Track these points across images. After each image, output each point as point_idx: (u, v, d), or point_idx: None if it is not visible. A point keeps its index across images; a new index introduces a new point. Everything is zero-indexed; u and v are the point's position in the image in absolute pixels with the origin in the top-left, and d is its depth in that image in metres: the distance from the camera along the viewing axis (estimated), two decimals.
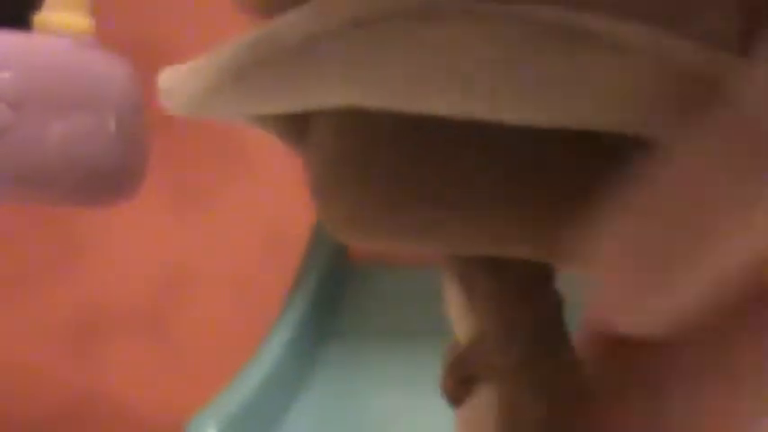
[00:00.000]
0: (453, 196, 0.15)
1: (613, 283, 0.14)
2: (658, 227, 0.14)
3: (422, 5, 0.13)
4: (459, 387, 0.17)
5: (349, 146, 0.15)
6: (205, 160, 0.56)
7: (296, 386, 0.44)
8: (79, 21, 0.37)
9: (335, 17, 0.13)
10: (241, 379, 0.42)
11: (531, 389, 0.16)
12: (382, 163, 0.15)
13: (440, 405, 0.43)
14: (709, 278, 0.14)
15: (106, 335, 0.58)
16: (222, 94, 0.15)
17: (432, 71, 0.14)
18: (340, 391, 0.43)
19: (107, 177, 0.37)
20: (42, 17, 0.36)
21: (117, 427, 0.58)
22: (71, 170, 0.35)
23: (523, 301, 0.16)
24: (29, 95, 0.34)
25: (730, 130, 0.13)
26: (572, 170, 0.15)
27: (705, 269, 0.14)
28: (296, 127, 0.17)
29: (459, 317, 0.17)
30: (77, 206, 0.40)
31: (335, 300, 0.48)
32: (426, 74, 0.14)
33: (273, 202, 0.54)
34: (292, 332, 0.45)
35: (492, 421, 0.16)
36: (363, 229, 0.16)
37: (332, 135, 0.16)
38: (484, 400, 0.16)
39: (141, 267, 0.58)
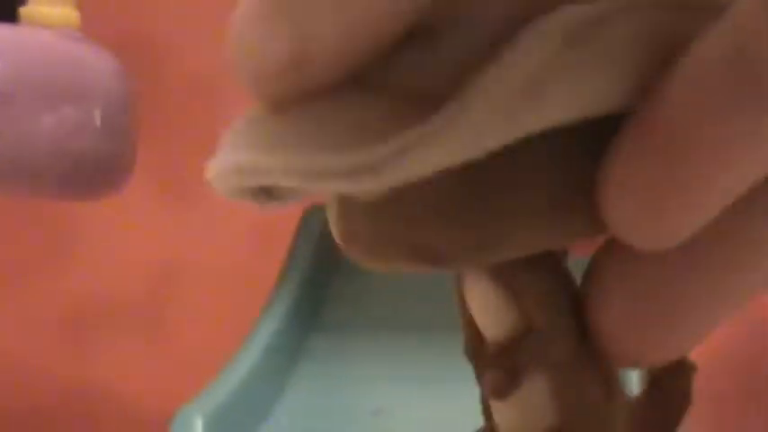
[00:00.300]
0: (513, 207, 0.15)
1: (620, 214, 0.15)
2: (659, 163, 0.14)
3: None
4: (506, 379, 0.17)
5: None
6: (194, 153, 0.56)
7: (282, 378, 0.44)
8: (66, 14, 0.37)
9: (552, 42, 0.14)
10: (227, 371, 0.42)
11: (591, 372, 0.17)
12: (437, 186, 0.15)
13: (426, 398, 0.43)
14: (711, 204, 0.14)
15: (96, 328, 0.58)
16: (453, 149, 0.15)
17: (626, 71, 0.14)
18: (327, 383, 0.43)
19: (94, 170, 0.37)
20: (29, 10, 0.36)
21: (108, 419, 0.58)
22: (59, 163, 0.35)
23: (566, 288, 0.17)
24: (17, 88, 0.34)
25: (722, 59, 0.14)
26: None
27: (706, 198, 0.14)
28: None
29: (487, 313, 0.17)
30: (65, 199, 0.40)
31: (322, 292, 0.48)
32: (620, 75, 0.14)
33: None
34: (278, 324, 0.45)
35: (550, 409, 0.17)
36: (422, 255, 0.16)
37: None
38: (534, 387, 0.17)
39: (131, 261, 0.58)
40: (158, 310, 0.58)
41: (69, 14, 0.37)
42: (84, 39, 0.37)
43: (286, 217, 0.50)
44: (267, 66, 0.14)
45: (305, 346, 0.46)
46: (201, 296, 0.57)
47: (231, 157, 0.16)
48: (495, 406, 0.18)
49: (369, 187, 0.14)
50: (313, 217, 0.48)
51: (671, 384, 0.18)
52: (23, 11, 0.37)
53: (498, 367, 0.17)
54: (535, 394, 0.17)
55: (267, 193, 0.17)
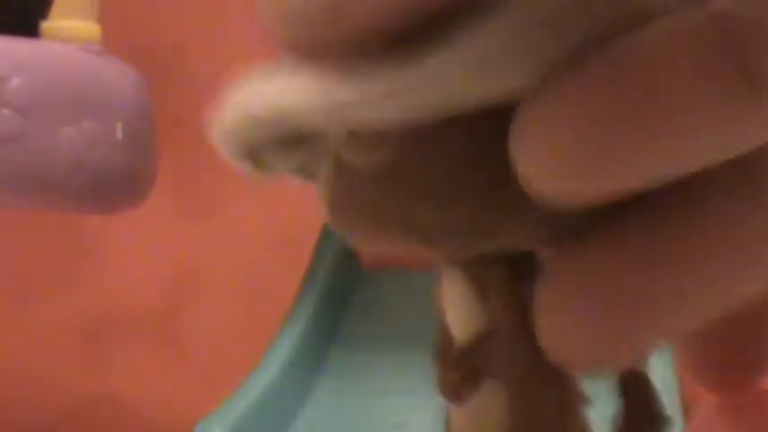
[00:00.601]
0: (511, 196, 0.15)
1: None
2: (609, 119, 0.13)
3: None
4: (464, 382, 0.17)
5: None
6: (214, 164, 0.56)
7: (303, 391, 0.44)
8: (86, 28, 0.37)
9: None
10: (248, 384, 0.42)
11: (548, 385, 0.16)
12: (438, 162, 0.15)
13: None
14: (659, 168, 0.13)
15: (115, 339, 0.58)
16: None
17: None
18: (347, 396, 0.43)
19: (115, 184, 0.37)
20: (50, 25, 0.37)
21: (126, 429, 0.58)
22: (80, 177, 0.35)
23: (531, 293, 0.16)
24: (38, 102, 0.34)
25: (698, 28, 0.13)
26: None
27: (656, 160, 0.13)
28: None
29: (458, 313, 0.17)
30: (86, 213, 0.40)
31: (344, 304, 0.48)
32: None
33: (283, 206, 0.54)
34: (300, 337, 0.45)
35: (503, 415, 0.16)
36: (383, 236, 0.16)
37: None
38: (490, 394, 0.16)
39: (150, 272, 0.58)
40: (176, 322, 0.58)
41: (90, 28, 0.37)
42: (105, 52, 0.37)
43: (307, 228, 0.50)
44: (299, 16, 0.14)
45: (326, 358, 0.45)
46: (220, 308, 0.57)
47: (244, 104, 0.16)
48: (453, 414, 0.18)
49: (382, 116, 0.14)
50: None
51: None
52: (45, 26, 0.37)
53: (459, 368, 0.17)
54: (491, 404, 0.17)
55: (261, 164, 0.17)
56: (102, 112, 0.36)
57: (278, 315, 0.47)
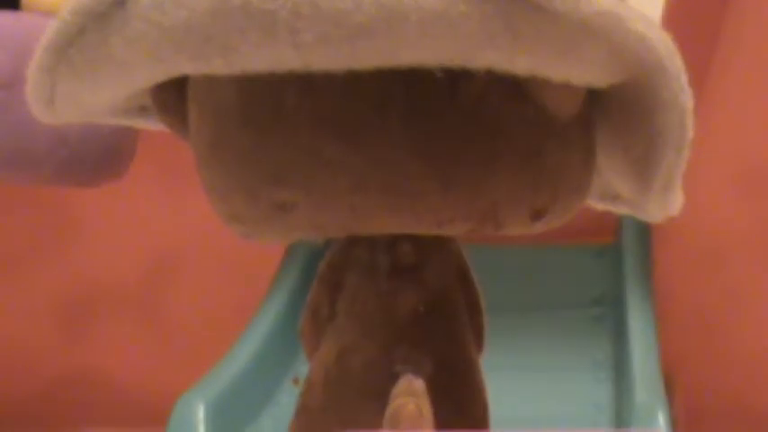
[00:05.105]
0: (303, 177, 0.16)
1: None
2: None
3: None
4: None
5: (206, 130, 0.16)
6: None
7: (285, 364, 0.44)
8: (66, 1, 0.37)
9: None
10: (230, 358, 0.42)
11: None
12: (234, 146, 0.16)
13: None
14: None
15: (97, 314, 0.58)
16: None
17: None
18: None
19: (95, 157, 0.37)
20: None
21: (107, 405, 0.58)
22: (59, 150, 0.35)
23: None
24: (19, 76, 0.34)
25: None
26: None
27: None
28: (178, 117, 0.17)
29: None
30: (65, 186, 0.40)
31: None
32: None
33: None
34: (281, 312, 0.45)
35: None
36: (236, 214, 0.17)
37: (195, 120, 0.16)
38: None
39: (132, 247, 0.58)
40: (158, 295, 0.58)
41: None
42: None
43: None
44: None
45: None
46: (202, 282, 0.57)
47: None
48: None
49: None
50: None
51: None
52: None
53: None
54: None
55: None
56: None
57: (261, 288, 0.47)
